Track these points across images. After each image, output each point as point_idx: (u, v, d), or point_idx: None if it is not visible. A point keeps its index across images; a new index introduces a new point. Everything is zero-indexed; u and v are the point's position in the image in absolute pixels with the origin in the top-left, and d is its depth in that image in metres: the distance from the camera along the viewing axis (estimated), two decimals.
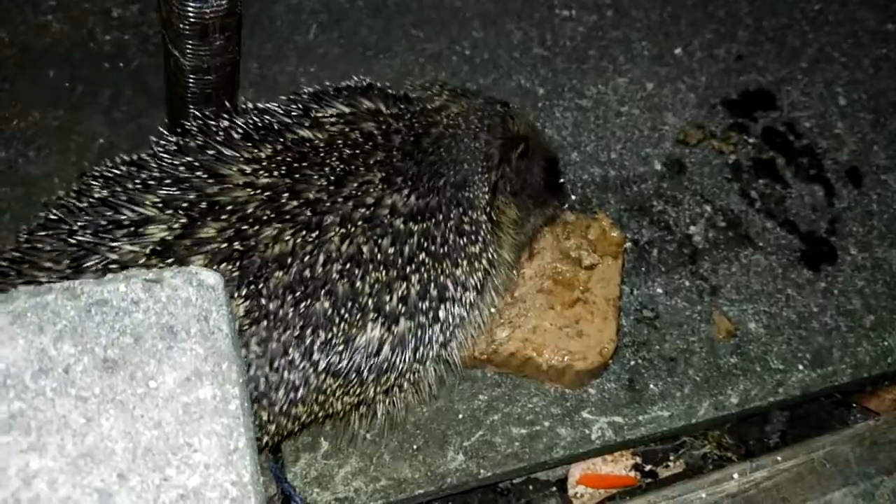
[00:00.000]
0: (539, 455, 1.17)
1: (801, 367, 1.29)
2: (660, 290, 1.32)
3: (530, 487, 1.29)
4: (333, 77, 1.46)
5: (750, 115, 1.51)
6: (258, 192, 0.88)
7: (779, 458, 0.99)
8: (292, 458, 1.09)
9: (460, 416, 1.17)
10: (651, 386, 1.24)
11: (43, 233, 0.87)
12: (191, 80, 0.99)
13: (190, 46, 0.94)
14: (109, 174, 0.91)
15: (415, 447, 1.13)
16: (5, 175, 1.28)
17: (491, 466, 1.15)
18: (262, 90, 1.41)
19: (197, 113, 0.95)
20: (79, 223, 0.85)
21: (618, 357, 1.24)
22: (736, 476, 0.96)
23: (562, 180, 1.20)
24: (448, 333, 0.99)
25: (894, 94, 1.57)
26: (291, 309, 0.85)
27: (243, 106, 0.99)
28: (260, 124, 0.93)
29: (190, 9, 0.89)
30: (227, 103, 0.99)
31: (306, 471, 1.08)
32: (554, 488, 1.29)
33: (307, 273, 0.86)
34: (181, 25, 0.91)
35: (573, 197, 1.29)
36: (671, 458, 1.31)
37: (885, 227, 1.42)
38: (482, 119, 1.06)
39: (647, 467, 1.30)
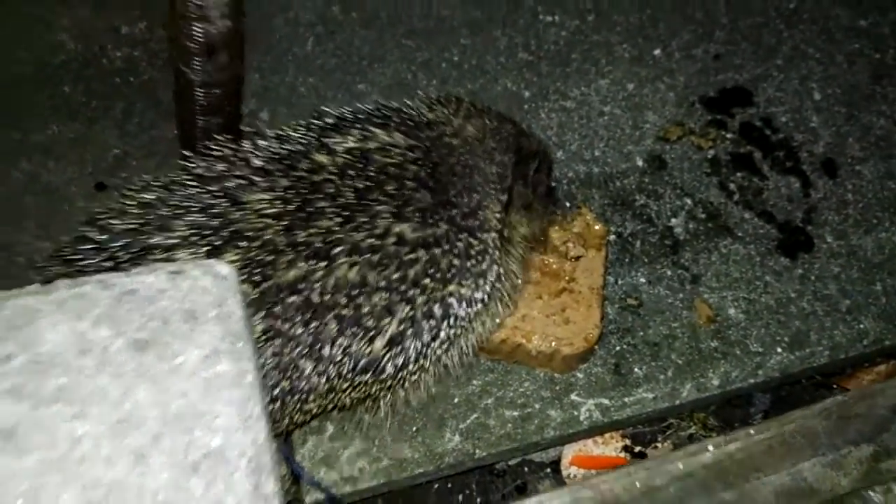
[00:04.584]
0: (531, 436, 1.24)
1: (779, 349, 1.35)
2: (643, 280, 1.39)
3: (525, 469, 1.36)
4: (331, 86, 1.54)
5: (727, 112, 1.58)
6: (276, 221, 0.94)
7: (752, 432, 1.06)
8: (300, 440, 1.16)
9: (456, 399, 1.24)
10: (636, 370, 1.31)
11: (88, 246, 0.95)
12: (199, 94, 1.07)
13: (197, 63, 1.02)
14: (143, 198, 0.98)
15: (414, 429, 1.20)
16: (29, 185, 1.35)
17: (486, 447, 1.22)
18: (265, 101, 1.49)
19: (207, 128, 1.03)
20: (117, 244, 0.93)
21: (604, 343, 1.31)
22: (711, 448, 1.03)
23: (554, 183, 1.25)
24: (448, 345, 1.06)
25: (868, 87, 1.64)
26: (302, 328, 0.93)
27: (267, 132, 1.04)
28: (277, 155, 0.99)
29: (196, 29, 0.97)
30: (234, 117, 1.07)
31: (314, 452, 1.15)
32: (548, 469, 1.36)
33: (316, 298, 0.94)
34: (189, 44, 0.99)
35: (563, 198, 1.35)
36: (659, 439, 1.38)
37: (859, 216, 1.49)
38: (497, 140, 1.09)
39: (637, 448, 1.37)
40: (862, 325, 1.39)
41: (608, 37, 1.62)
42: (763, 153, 1.54)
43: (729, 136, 1.55)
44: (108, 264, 0.91)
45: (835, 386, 1.44)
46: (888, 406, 1.11)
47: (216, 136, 1.03)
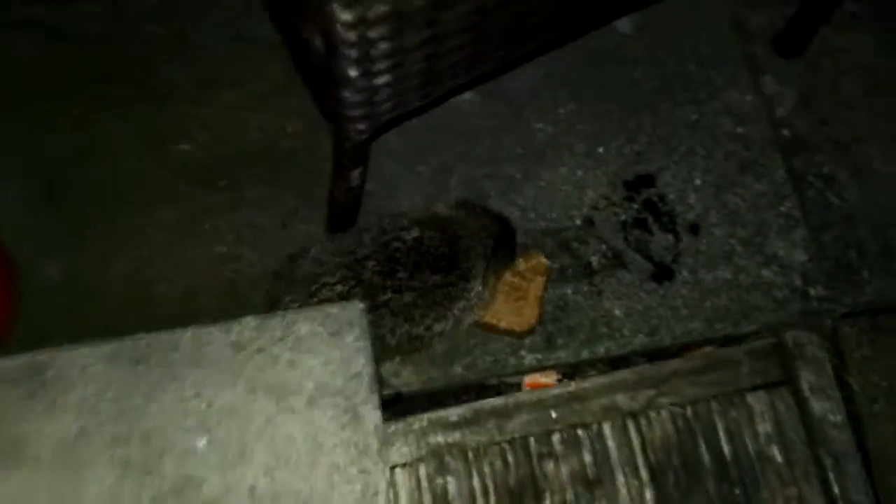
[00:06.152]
0: (499, 371, 2.37)
1: (641, 335, 2.43)
2: (569, 292, 2.48)
3: (500, 386, 2.50)
4: (403, 168, 2.59)
5: (637, 191, 2.56)
6: (377, 274, 2.03)
7: (599, 379, 2.20)
8: (382, 363, 2.38)
9: (460, 349, 2.39)
10: (558, 341, 2.43)
11: (297, 276, 2.13)
12: (340, 195, 2.21)
13: (340, 193, 2.16)
14: (320, 257, 2.15)
15: (438, 363, 2.40)
16: (247, 223, 2.55)
17: (475, 374, 2.34)
18: (369, 177, 2.61)
19: (345, 213, 2.19)
20: (321, 280, 2.11)
21: (542, 326, 2.44)
22: (572, 385, 2.18)
23: (515, 247, 2.30)
24: (456, 327, 2.16)
25: (733, 177, 2.59)
26: (387, 321, 2.07)
27: (372, 226, 2.11)
28: (379, 241, 2.03)
29: (340, 184, 2.11)
30: (359, 203, 2.23)
31: (387, 371, 2.36)
32: (513, 388, 2.52)
33: (394, 308, 2.03)
34: (337, 189, 2.13)
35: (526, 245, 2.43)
36: (574, 376, 2.54)
37: (706, 260, 2.51)
38: (487, 231, 2.12)
39: (563, 379, 2.54)
40: (693, 325, 2.45)
41: (571, 139, 2.52)
42: (654, 218, 2.54)
43: (635, 206, 2.49)
44: (313, 292, 2.10)
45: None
46: (667, 373, 2.23)
47: (350, 218, 2.22)
